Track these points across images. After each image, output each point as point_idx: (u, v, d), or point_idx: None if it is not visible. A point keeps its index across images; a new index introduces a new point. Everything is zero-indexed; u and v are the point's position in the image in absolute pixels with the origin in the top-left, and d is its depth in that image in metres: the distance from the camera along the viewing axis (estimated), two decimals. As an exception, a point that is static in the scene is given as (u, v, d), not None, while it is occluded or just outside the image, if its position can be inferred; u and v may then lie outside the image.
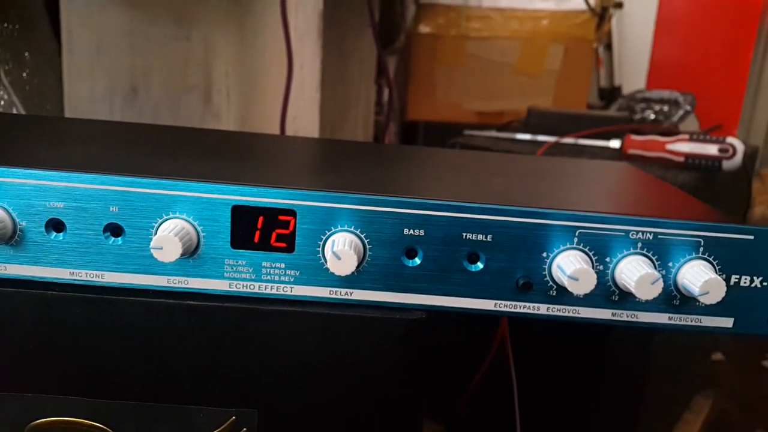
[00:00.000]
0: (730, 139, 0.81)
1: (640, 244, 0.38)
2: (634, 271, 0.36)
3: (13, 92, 0.93)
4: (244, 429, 0.39)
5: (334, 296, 0.39)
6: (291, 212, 0.37)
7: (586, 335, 0.65)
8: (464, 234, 0.38)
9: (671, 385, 0.82)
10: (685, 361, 0.87)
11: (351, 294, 0.39)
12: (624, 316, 0.39)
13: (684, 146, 0.81)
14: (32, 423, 0.39)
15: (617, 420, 0.70)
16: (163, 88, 0.99)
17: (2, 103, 0.91)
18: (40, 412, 0.39)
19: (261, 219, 0.37)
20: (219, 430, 0.39)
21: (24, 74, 0.96)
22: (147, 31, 0.97)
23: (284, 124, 0.95)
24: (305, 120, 1.00)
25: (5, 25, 0.92)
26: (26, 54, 0.96)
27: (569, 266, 0.36)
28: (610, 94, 1.69)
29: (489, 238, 0.38)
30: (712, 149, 0.80)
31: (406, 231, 0.38)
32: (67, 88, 0.98)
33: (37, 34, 0.99)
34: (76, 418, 0.39)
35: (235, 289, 0.38)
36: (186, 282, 0.38)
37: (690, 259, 0.38)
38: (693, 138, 0.81)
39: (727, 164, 0.80)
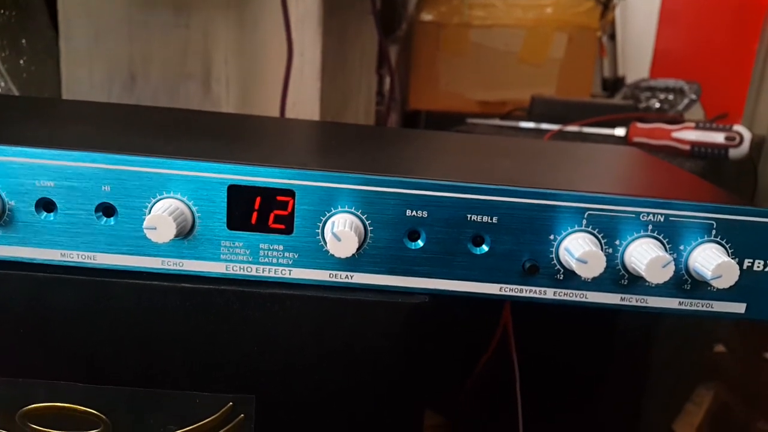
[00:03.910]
0: (737, 127, 0.80)
1: (650, 227, 0.36)
2: (644, 254, 0.35)
3: (10, 79, 0.92)
4: (241, 415, 0.38)
5: (333, 279, 0.37)
6: (289, 192, 0.36)
7: (590, 324, 0.64)
8: (469, 215, 0.36)
9: (673, 376, 0.81)
10: (686, 352, 0.86)
11: (351, 277, 0.37)
12: (633, 300, 0.38)
13: (690, 134, 0.80)
14: (24, 408, 0.38)
15: (620, 410, 0.69)
16: (162, 75, 0.98)
17: (-1, 90, 0.90)
18: (32, 398, 0.38)
19: (258, 199, 0.36)
20: (215, 416, 0.38)
21: (21, 61, 0.95)
22: (145, 18, 0.95)
23: (284, 112, 0.94)
24: (305, 108, 0.99)
25: (2, 11, 0.91)
26: (23, 41, 0.95)
27: (577, 249, 0.35)
28: (614, 84, 1.68)
29: (494, 219, 0.37)
30: (718, 137, 0.79)
31: (408, 212, 0.36)
32: (65, 75, 0.97)
33: (34, 20, 0.98)
34: (68, 403, 0.38)
35: (231, 271, 0.37)
36: (181, 264, 0.37)
37: (702, 242, 0.37)
38: (699, 126, 0.80)
39: (733, 152, 0.79)
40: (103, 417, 0.38)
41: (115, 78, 0.97)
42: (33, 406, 0.38)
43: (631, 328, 0.64)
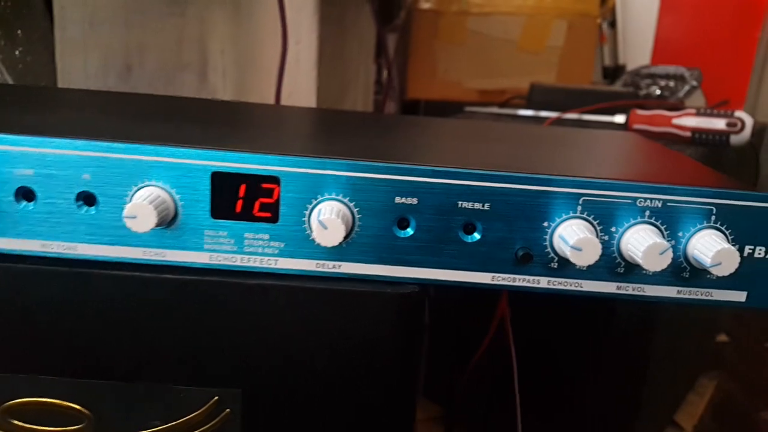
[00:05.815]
0: (739, 113, 0.78)
1: (648, 213, 0.35)
2: (641, 241, 0.34)
3: (6, 70, 0.91)
4: (227, 410, 0.37)
5: (321, 269, 0.36)
6: (275, 179, 0.35)
7: (590, 313, 0.64)
8: (460, 202, 0.35)
9: (675, 366, 0.81)
10: (688, 342, 0.85)
11: (339, 267, 0.36)
12: (630, 289, 0.37)
13: (691, 121, 0.79)
14: (6, 403, 0.37)
15: (622, 400, 0.68)
16: (158, 65, 0.97)
17: (-6, 81, 0.89)
18: (15, 393, 0.37)
19: (243, 187, 0.35)
20: (201, 411, 0.37)
21: (16, 52, 0.93)
22: (141, 7, 0.94)
23: (279, 100, 0.93)
24: (301, 97, 0.98)
25: (-3, 1, 0.90)
26: (18, 31, 0.94)
27: (572, 236, 0.34)
28: (614, 72, 1.66)
29: (486, 206, 0.35)
30: (719, 124, 0.78)
31: (397, 199, 0.35)
32: (60, 65, 0.96)
33: (29, 11, 0.96)
34: (51, 398, 0.37)
35: (215, 261, 0.36)
36: (163, 254, 0.36)
37: (701, 229, 0.36)
38: (700, 112, 0.79)
39: (735, 139, 0.78)
40: (87, 412, 0.37)
41: (110, 68, 0.96)
42: (15, 401, 0.37)
43: (634, 317, 0.64)
